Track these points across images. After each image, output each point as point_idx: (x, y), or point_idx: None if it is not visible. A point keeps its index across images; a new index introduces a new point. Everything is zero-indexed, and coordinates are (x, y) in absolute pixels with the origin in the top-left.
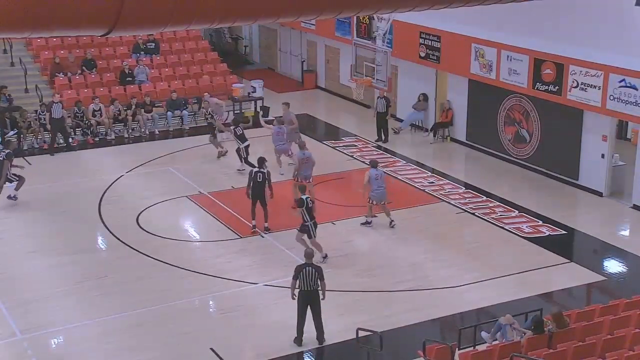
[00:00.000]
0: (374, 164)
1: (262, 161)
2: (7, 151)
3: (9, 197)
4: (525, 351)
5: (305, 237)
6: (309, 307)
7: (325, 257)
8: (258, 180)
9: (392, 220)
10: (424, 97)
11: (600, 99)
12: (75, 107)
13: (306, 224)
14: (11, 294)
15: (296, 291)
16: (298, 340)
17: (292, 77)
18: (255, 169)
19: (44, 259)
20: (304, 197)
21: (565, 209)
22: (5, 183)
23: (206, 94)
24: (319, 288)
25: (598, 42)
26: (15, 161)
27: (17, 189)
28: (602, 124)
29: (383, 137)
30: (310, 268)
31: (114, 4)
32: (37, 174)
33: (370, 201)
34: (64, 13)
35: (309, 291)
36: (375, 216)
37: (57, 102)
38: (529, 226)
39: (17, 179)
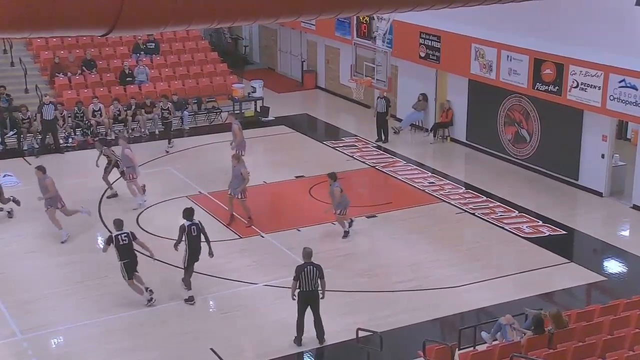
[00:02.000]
0: (334, 177)
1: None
2: None
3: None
4: (525, 351)
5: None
6: (308, 307)
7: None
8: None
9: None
10: (424, 97)
11: (600, 99)
12: (76, 107)
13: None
14: (11, 294)
15: (296, 291)
16: (298, 340)
17: (292, 77)
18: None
19: (44, 259)
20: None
21: (565, 209)
22: None
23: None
24: (319, 288)
25: (598, 42)
26: (14, 161)
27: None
28: (602, 124)
29: (383, 137)
30: (311, 267)
31: (114, 4)
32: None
33: (340, 212)
34: (64, 13)
35: (309, 291)
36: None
37: (48, 104)
38: (529, 226)
39: None
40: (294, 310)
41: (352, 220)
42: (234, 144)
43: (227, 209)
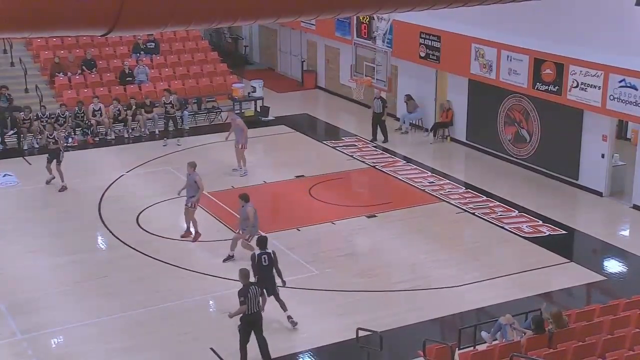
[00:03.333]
0: (247, 198)
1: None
2: None
3: None
4: (525, 351)
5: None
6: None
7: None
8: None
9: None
10: (408, 98)
11: (600, 99)
12: (76, 107)
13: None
14: (11, 294)
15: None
16: None
17: (292, 77)
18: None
19: (44, 259)
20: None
21: (565, 209)
22: None
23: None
24: (262, 310)
25: (598, 42)
26: (14, 161)
27: None
28: (602, 124)
29: (383, 138)
30: (254, 288)
31: (114, 3)
32: (37, 173)
33: (250, 237)
34: (63, 13)
35: (253, 314)
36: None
37: None
38: (529, 226)
39: None
40: (293, 310)
41: (231, 256)
42: (236, 139)
43: (227, 207)
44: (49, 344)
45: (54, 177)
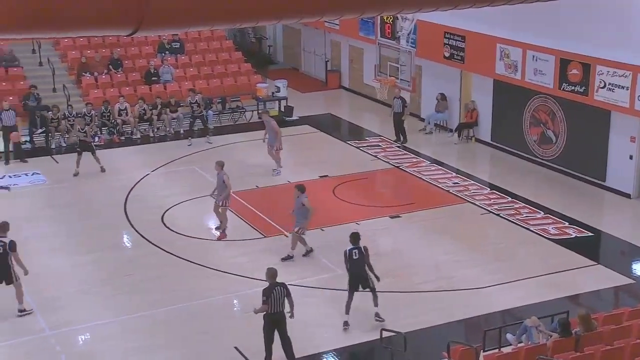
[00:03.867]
0: (303, 189)
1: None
2: None
3: None
4: (552, 354)
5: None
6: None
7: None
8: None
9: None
10: (442, 97)
11: (628, 99)
12: (102, 107)
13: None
14: (40, 291)
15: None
16: None
17: (315, 76)
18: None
19: (71, 257)
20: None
21: (592, 211)
22: None
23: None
24: (287, 310)
25: (626, 42)
26: (42, 160)
27: None
28: (630, 125)
29: (402, 138)
30: (279, 288)
31: (140, 3)
32: (64, 172)
33: (301, 230)
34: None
35: (276, 313)
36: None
37: (7, 110)
38: (555, 227)
39: None
40: (317, 310)
41: (290, 257)
42: (269, 141)
43: (251, 207)
44: (76, 341)
45: (78, 173)
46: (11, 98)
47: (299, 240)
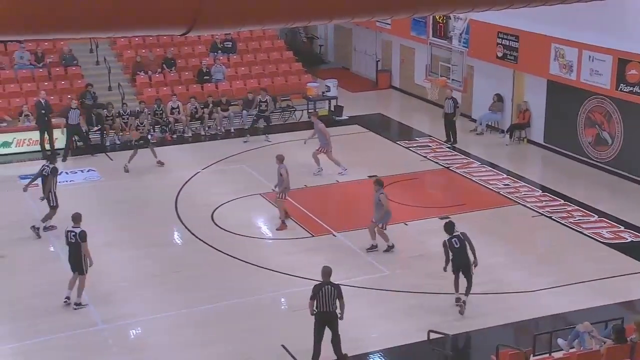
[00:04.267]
0: (381, 183)
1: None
2: (52, 166)
3: (33, 227)
4: None
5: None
6: (326, 328)
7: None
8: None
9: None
10: (499, 98)
11: None
12: (155, 105)
13: None
14: (93, 285)
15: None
16: None
17: (366, 76)
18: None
19: (123, 252)
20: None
21: None
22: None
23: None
24: (337, 309)
25: None
26: (97, 157)
27: (43, 220)
28: None
29: (452, 139)
30: (329, 287)
31: (193, 3)
32: (119, 169)
33: (384, 225)
34: (146, 13)
35: (326, 312)
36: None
37: (74, 109)
38: (610, 232)
39: (54, 204)
40: (364, 310)
41: (391, 246)
42: (319, 143)
43: (299, 206)
44: (127, 335)
45: (128, 171)
46: (70, 96)
47: (381, 234)
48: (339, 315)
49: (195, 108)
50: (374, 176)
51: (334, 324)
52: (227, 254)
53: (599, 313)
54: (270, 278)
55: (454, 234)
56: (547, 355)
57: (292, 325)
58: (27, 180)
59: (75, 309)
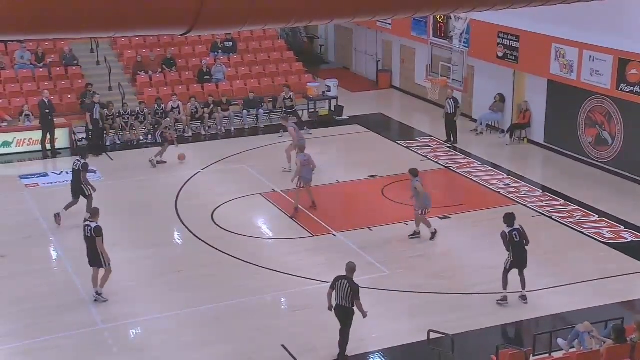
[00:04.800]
0: (415, 173)
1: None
2: (82, 161)
3: (56, 215)
4: None
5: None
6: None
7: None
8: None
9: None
10: (500, 98)
11: None
12: (155, 105)
13: None
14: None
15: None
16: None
17: (366, 76)
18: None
19: (124, 252)
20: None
21: None
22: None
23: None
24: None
25: None
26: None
27: (66, 208)
28: None
29: (452, 139)
30: (344, 282)
31: (195, 3)
32: (119, 169)
33: (423, 212)
34: (147, 13)
35: (339, 306)
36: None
37: (97, 103)
38: (610, 231)
39: (89, 194)
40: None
41: (434, 232)
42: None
43: (300, 206)
44: (128, 335)
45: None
46: (69, 96)
47: (424, 222)
48: (362, 315)
49: (196, 108)
50: (374, 176)
51: (345, 321)
52: (228, 254)
53: (599, 313)
54: (270, 278)
55: (515, 227)
56: (547, 355)
57: (293, 326)
58: (28, 180)
59: (94, 299)
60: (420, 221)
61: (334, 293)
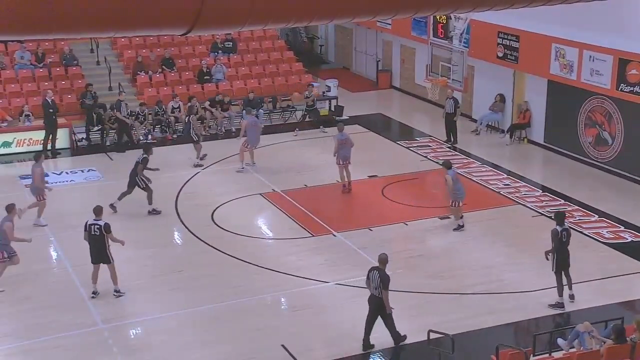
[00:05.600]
0: (448, 165)
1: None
2: (144, 156)
3: (111, 205)
4: None
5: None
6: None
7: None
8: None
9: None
10: (501, 98)
11: None
12: (156, 105)
13: None
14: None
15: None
16: (364, 344)
17: (367, 76)
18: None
19: (123, 253)
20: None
21: None
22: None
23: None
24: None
25: None
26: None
27: (119, 198)
28: None
29: (452, 139)
30: (374, 273)
31: (195, 3)
32: (119, 169)
33: (454, 203)
34: (147, 13)
35: (373, 296)
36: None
37: (123, 101)
38: (610, 231)
39: (144, 186)
40: (364, 310)
41: (461, 226)
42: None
43: (300, 206)
44: (128, 334)
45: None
46: (70, 96)
47: (454, 212)
48: (386, 307)
49: (196, 108)
50: (373, 176)
51: (380, 310)
52: (228, 254)
53: (599, 313)
54: (270, 278)
55: (565, 227)
56: (547, 355)
57: (293, 326)
58: (27, 181)
59: (115, 296)
60: (452, 212)
61: (368, 282)
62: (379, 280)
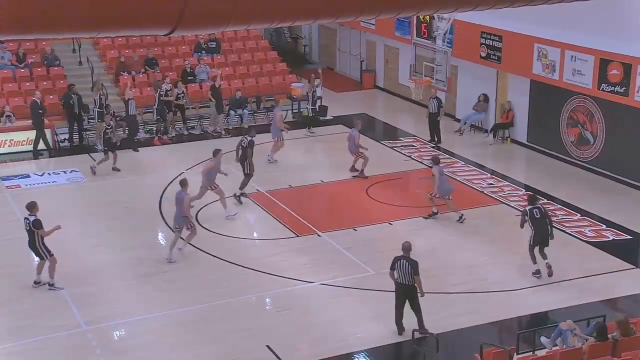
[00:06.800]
0: (436, 160)
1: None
2: (249, 138)
3: (234, 195)
4: (587, 358)
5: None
6: (407, 300)
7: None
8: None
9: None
10: (485, 98)
11: None
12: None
13: None
14: (76, 287)
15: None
16: (398, 330)
17: (350, 76)
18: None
19: (107, 253)
20: None
21: (630, 213)
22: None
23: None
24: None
25: None
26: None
27: (241, 188)
28: None
29: (436, 138)
30: (404, 261)
31: (177, 4)
32: (102, 170)
33: (435, 195)
34: (129, 13)
35: (403, 284)
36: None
37: (131, 99)
38: (592, 230)
39: (248, 171)
40: (349, 310)
41: (435, 213)
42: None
43: (284, 206)
44: (112, 336)
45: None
46: (52, 97)
47: (452, 206)
48: (419, 293)
49: (183, 92)
50: (358, 176)
51: (412, 299)
52: (212, 255)
53: (581, 311)
54: (255, 278)
55: (535, 205)
56: (531, 353)
57: (277, 326)
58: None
59: (49, 289)
60: (450, 208)
61: (395, 274)
62: (409, 267)
